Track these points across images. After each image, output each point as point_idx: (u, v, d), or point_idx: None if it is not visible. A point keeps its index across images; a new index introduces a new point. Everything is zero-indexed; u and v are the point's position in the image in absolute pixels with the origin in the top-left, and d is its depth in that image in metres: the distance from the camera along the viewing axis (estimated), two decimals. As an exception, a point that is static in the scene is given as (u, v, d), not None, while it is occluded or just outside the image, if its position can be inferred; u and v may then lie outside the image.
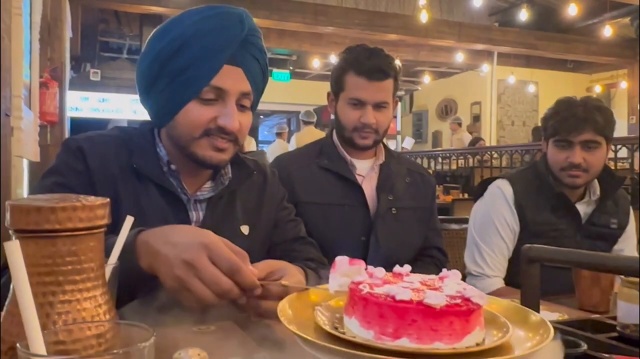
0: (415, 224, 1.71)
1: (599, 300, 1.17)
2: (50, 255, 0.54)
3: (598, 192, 1.79)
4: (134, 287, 0.87)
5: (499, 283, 1.77)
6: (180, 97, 1.08)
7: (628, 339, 0.83)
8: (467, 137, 9.88)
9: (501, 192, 1.81)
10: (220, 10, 1.10)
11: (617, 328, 0.88)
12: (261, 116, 14.19)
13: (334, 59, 10.05)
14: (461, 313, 0.54)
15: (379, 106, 1.66)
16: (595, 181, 1.80)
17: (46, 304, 0.54)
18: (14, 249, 0.40)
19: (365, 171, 1.73)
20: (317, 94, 12.85)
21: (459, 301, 0.55)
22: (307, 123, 7.91)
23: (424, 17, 7.62)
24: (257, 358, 0.83)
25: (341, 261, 0.68)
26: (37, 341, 0.39)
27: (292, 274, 0.97)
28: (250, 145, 6.56)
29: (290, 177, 1.63)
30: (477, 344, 0.56)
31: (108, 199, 0.59)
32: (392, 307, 0.53)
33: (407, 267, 0.64)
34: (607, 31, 8.53)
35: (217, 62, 1.06)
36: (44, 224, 0.53)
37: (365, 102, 1.64)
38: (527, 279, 0.90)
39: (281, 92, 10.99)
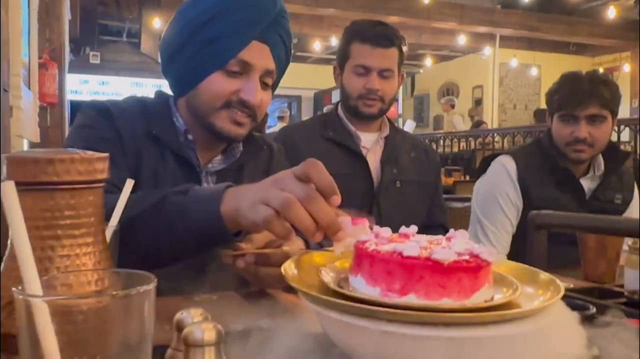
0: (419, 199, 1.71)
1: (604, 271, 1.16)
2: (48, 208, 0.53)
3: (602, 167, 1.78)
4: (197, 237, 0.83)
5: (501, 259, 1.76)
6: (206, 67, 1.09)
7: (636, 305, 0.82)
8: (458, 120, 9.84)
9: (504, 168, 1.79)
10: None
11: (625, 294, 0.87)
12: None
13: (335, 41, 9.98)
14: (470, 269, 0.53)
15: (383, 74, 1.65)
16: (600, 156, 1.78)
17: (45, 258, 0.53)
18: (10, 191, 0.38)
19: (370, 143, 1.72)
20: (318, 77, 12.82)
21: (467, 257, 0.53)
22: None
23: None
24: (260, 325, 0.83)
25: (344, 221, 0.66)
26: (34, 285, 0.38)
27: (293, 241, 0.95)
28: None
29: (295, 147, 1.64)
30: (486, 301, 0.55)
31: (107, 154, 0.58)
32: (399, 263, 0.51)
33: (414, 228, 0.62)
34: (611, 13, 8.45)
35: (247, 36, 1.08)
36: (42, 176, 0.52)
37: (370, 69, 1.64)
38: (535, 246, 0.89)
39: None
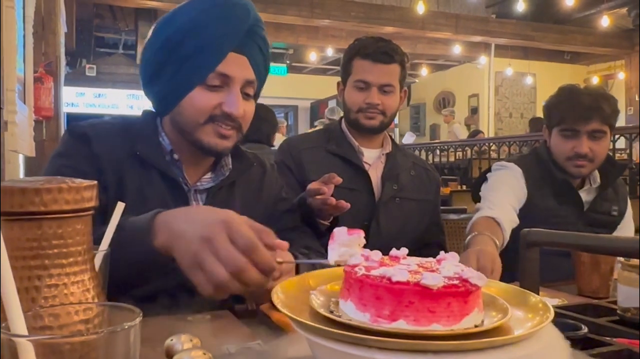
0: (418, 216, 1.72)
1: (598, 286, 1.16)
2: (35, 238, 0.52)
3: (598, 179, 1.78)
4: (141, 271, 0.86)
5: (488, 213, 1.59)
6: (186, 83, 1.09)
7: (629, 323, 0.82)
8: (458, 128, 9.87)
9: (512, 169, 1.77)
10: (216, 3, 1.11)
11: (618, 312, 0.87)
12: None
13: (330, 52, 10.04)
14: (459, 294, 0.53)
15: (384, 89, 1.68)
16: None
17: (32, 288, 0.52)
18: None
19: (372, 159, 1.75)
20: (314, 88, 12.87)
21: (456, 281, 0.53)
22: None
23: (420, 9, 7.60)
24: (251, 346, 0.82)
25: (340, 231, 0.66)
26: (18, 323, 0.38)
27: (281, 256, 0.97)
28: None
29: (301, 157, 1.69)
30: (476, 326, 0.55)
31: (95, 182, 0.58)
32: (388, 288, 0.51)
33: (404, 251, 0.62)
34: (605, 22, 8.50)
35: (223, 49, 1.09)
36: (29, 206, 0.52)
37: (370, 84, 1.67)
38: (527, 264, 0.89)
39: (278, 86, 10.95)
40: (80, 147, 1.10)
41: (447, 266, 0.55)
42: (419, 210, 1.73)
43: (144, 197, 1.09)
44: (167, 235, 0.83)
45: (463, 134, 9.78)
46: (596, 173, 1.78)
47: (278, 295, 0.63)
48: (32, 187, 0.52)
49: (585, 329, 0.72)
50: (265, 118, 2.93)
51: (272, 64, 10.71)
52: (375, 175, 1.72)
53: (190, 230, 0.80)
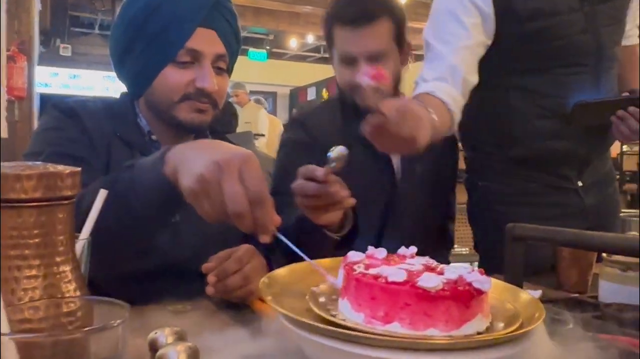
0: (438, 190, 1.55)
1: (577, 280, 1.17)
2: (15, 227, 0.50)
3: None
4: (154, 207, 0.82)
5: (430, 86, 1.31)
6: (156, 62, 1.08)
7: (610, 318, 0.83)
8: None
9: None
10: None
11: (600, 307, 0.88)
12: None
13: (311, 39, 9.97)
14: (459, 297, 0.51)
15: (374, 58, 1.39)
16: None
17: (11, 279, 0.50)
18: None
19: None
20: (295, 74, 12.75)
21: (458, 285, 0.51)
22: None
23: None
24: (235, 339, 0.81)
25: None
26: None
27: (254, 264, 0.98)
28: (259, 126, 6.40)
29: (318, 136, 1.42)
30: (479, 333, 0.52)
31: (79, 169, 0.55)
32: (384, 289, 0.50)
33: (413, 249, 0.61)
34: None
35: (190, 25, 1.07)
36: (9, 193, 0.49)
37: (356, 57, 1.39)
38: (512, 258, 0.89)
39: (258, 72, 10.82)
40: (71, 121, 1.08)
41: (453, 268, 0.54)
42: (438, 183, 1.54)
43: None
44: (179, 159, 0.76)
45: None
46: None
47: (266, 286, 0.62)
48: (12, 173, 0.49)
49: (571, 324, 0.73)
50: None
51: (251, 50, 10.59)
52: (395, 157, 1.50)
53: (207, 153, 0.72)
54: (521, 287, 0.86)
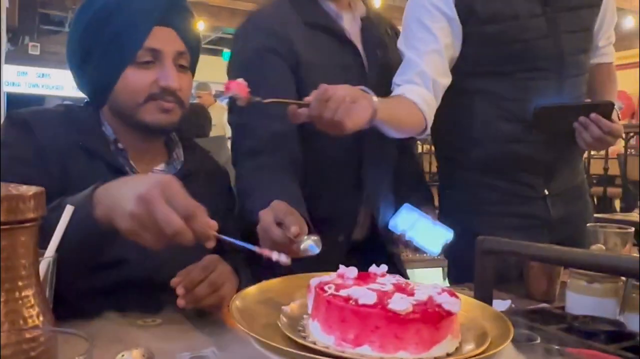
0: None
1: (545, 289, 1.19)
2: (-26, 251, 0.48)
3: None
4: (85, 247, 0.83)
5: (400, 89, 1.34)
6: (116, 65, 1.08)
7: (578, 331, 0.84)
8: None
9: None
10: None
11: (567, 319, 0.89)
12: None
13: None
14: (429, 319, 0.51)
15: None
16: None
17: (-30, 305, 0.48)
18: None
19: (349, 23, 1.42)
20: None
21: (427, 306, 0.52)
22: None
23: (377, 2, 7.62)
24: (206, 354, 0.80)
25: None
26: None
27: (220, 271, 0.99)
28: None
29: (275, 37, 1.31)
30: (448, 355, 0.53)
31: (43, 189, 0.54)
32: (354, 311, 0.50)
33: (383, 268, 0.61)
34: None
35: (147, 24, 1.08)
36: (-32, 216, 0.48)
37: None
38: (481, 271, 0.90)
39: (231, 72, 10.76)
40: (22, 135, 1.05)
41: (423, 289, 0.54)
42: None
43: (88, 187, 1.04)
44: (107, 202, 0.80)
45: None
46: None
47: (236, 306, 0.61)
48: (-29, 196, 0.48)
49: (537, 340, 0.74)
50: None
51: (226, 50, 10.53)
52: (357, 43, 1.41)
53: (129, 192, 0.77)
54: (491, 299, 0.87)
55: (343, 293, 0.54)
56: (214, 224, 0.81)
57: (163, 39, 1.09)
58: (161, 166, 1.17)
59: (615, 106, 1.36)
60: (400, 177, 1.50)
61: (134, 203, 0.75)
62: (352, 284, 0.58)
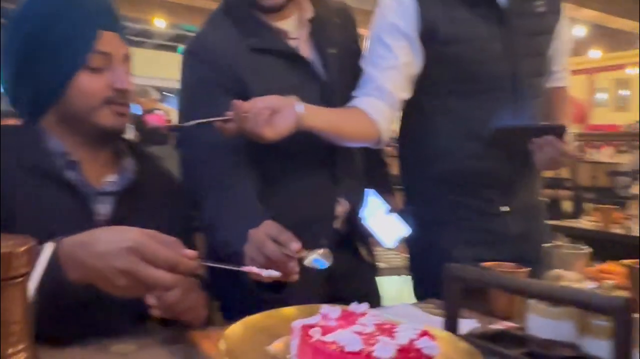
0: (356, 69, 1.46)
1: (506, 307, 1.24)
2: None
3: None
4: (65, 299, 0.83)
5: (354, 102, 1.38)
6: (67, 70, 1.07)
7: (539, 355, 0.89)
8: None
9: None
10: None
11: (528, 343, 0.94)
12: (163, 92, 13.41)
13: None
14: None
15: None
16: None
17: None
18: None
19: (292, 27, 1.39)
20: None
21: (409, 352, 0.55)
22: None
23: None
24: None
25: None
26: None
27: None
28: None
29: (220, 67, 1.30)
30: None
31: (34, 243, 0.54)
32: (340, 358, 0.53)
33: (364, 306, 0.64)
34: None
35: (95, 28, 1.09)
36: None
37: None
38: (449, 297, 0.94)
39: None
40: None
41: (403, 331, 0.57)
42: (355, 62, 1.46)
43: (42, 208, 1.03)
44: (81, 271, 0.83)
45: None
46: None
47: (223, 347, 0.63)
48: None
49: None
50: None
51: (180, 46, 10.37)
52: (306, 48, 1.39)
53: (104, 266, 0.81)
54: (456, 325, 0.92)
55: (329, 338, 0.57)
56: (192, 253, 0.85)
57: (111, 42, 1.11)
58: (113, 177, 1.15)
59: (568, 129, 1.43)
60: (366, 165, 1.54)
61: (118, 277, 0.80)
62: (335, 325, 0.60)
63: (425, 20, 1.42)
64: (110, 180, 1.14)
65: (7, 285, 0.51)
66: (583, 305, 0.74)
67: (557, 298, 0.75)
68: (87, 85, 1.07)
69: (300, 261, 0.98)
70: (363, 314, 0.64)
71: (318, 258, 0.98)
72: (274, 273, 0.91)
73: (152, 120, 1.09)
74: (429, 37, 1.43)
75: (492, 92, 1.46)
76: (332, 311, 0.63)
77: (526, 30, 1.48)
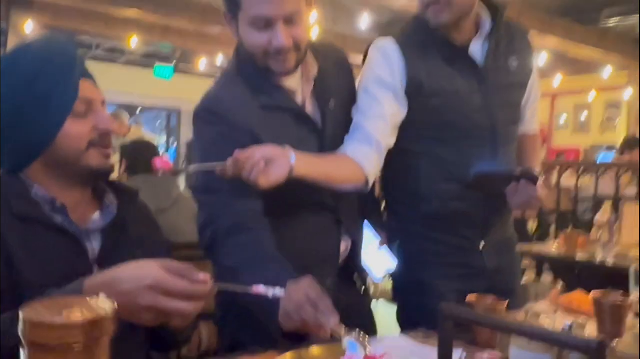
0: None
1: (489, 337, 1.35)
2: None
3: (488, 27, 1.61)
4: None
5: (342, 149, 1.50)
6: (56, 119, 1.13)
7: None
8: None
9: (378, 49, 1.58)
10: (51, 40, 1.20)
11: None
12: (140, 107, 13.32)
13: (221, 59, 9.92)
14: None
15: (290, 20, 1.32)
16: (482, 13, 1.63)
17: None
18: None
19: (295, 82, 1.46)
20: (203, 90, 12.45)
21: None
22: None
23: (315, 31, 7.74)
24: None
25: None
26: None
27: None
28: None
29: (232, 124, 1.37)
30: None
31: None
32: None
33: (381, 349, 0.71)
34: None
35: (76, 77, 1.15)
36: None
37: (272, 20, 1.30)
38: (443, 335, 1.04)
39: (163, 86, 10.55)
40: None
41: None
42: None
43: (35, 253, 1.07)
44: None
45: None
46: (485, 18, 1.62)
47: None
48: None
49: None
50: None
51: (157, 64, 10.30)
52: (310, 106, 1.48)
53: (129, 304, 0.89)
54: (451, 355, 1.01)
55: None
56: (205, 277, 0.95)
57: (89, 89, 1.18)
58: (96, 215, 1.21)
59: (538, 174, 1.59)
60: (361, 201, 1.66)
61: (144, 312, 0.90)
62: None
63: (411, 75, 1.57)
64: (96, 218, 1.21)
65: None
66: (561, 345, 0.85)
67: (540, 338, 0.86)
68: (74, 130, 1.14)
69: (334, 337, 1.03)
70: (382, 356, 0.73)
71: (353, 342, 0.95)
72: (280, 293, 1.02)
73: (159, 164, 1.14)
74: (414, 90, 1.58)
75: (471, 140, 1.62)
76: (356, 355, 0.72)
77: (501, 84, 1.65)
